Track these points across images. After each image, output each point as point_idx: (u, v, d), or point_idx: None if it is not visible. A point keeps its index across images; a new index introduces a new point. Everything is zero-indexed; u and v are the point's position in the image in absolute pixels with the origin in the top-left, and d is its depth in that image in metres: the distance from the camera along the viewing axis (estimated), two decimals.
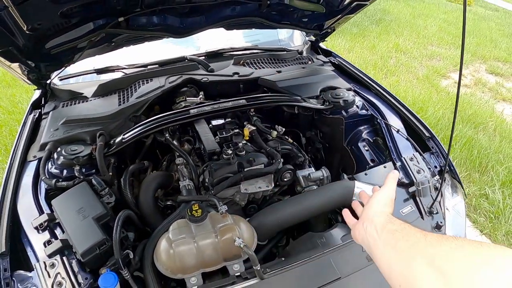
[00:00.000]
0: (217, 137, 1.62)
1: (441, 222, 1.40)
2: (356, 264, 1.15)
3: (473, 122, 4.00)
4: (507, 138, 3.82)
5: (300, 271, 1.12)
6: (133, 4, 1.66)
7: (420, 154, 1.65)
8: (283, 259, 1.26)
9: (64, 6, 1.50)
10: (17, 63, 1.61)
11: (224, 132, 1.64)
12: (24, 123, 1.79)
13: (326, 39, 2.49)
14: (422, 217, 1.41)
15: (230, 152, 1.49)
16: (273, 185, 1.48)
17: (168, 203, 1.58)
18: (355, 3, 1.97)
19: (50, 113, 1.77)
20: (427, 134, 1.76)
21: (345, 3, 1.99)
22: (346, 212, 0.95)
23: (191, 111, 1.65)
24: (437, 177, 1.59)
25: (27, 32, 1.48)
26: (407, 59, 5.89)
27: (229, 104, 1.68)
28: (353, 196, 1.37)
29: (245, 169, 1.45)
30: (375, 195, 0.88)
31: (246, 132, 1.67)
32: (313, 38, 2.52)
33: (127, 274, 1.07)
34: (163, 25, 1.85)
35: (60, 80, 2.09)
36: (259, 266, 1.07)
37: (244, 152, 1.52)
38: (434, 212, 1.42)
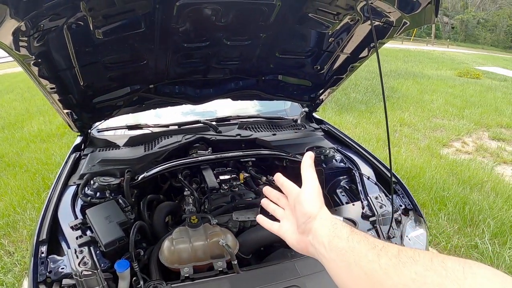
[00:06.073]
0: (218, 179, 2.04)
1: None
2: (316, 269, 1.45)
3: (468, 184, 4.20)
4: (503, 195, 3.97)
5: (268, 270, 1.44)
6: (161, 76, 2.22)
7: (386, 195, 1.99)
8: None
9: (112, 72, 1.99)
10: (69, 110, 2.02)
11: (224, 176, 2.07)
12: (67, 159, 2.18)
13: (318, 110, 2.99)
14: None
15: (226, 187, 1.90)
16: None
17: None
18: (334, 77, 2.47)
19: (89, 154, 2.20)
20: (394, 180, 2.11)
21: (326, 77, 2.51)
22: (260, 218, 0.83)
23: (199, 158, 2.10)
24: (400, 212, 1.91)
25: (82, 87, 1.92)
26: (411, 132, 6.29)
27: (228, 154, 2.13)
28: None
29: (236, 200, 1.85)
30: (301, 192, 0.72)
31: (241, 176, 2.09)
32: (307, 109, 3.03)
33: (136, 266, 1.37)
34: (182, 94, 2.39)
35: (98, 132, 2.60)
36: (236, 261, 1.40)
37: (237, 189, 1.94)
38: (392, 237, 1.72)
